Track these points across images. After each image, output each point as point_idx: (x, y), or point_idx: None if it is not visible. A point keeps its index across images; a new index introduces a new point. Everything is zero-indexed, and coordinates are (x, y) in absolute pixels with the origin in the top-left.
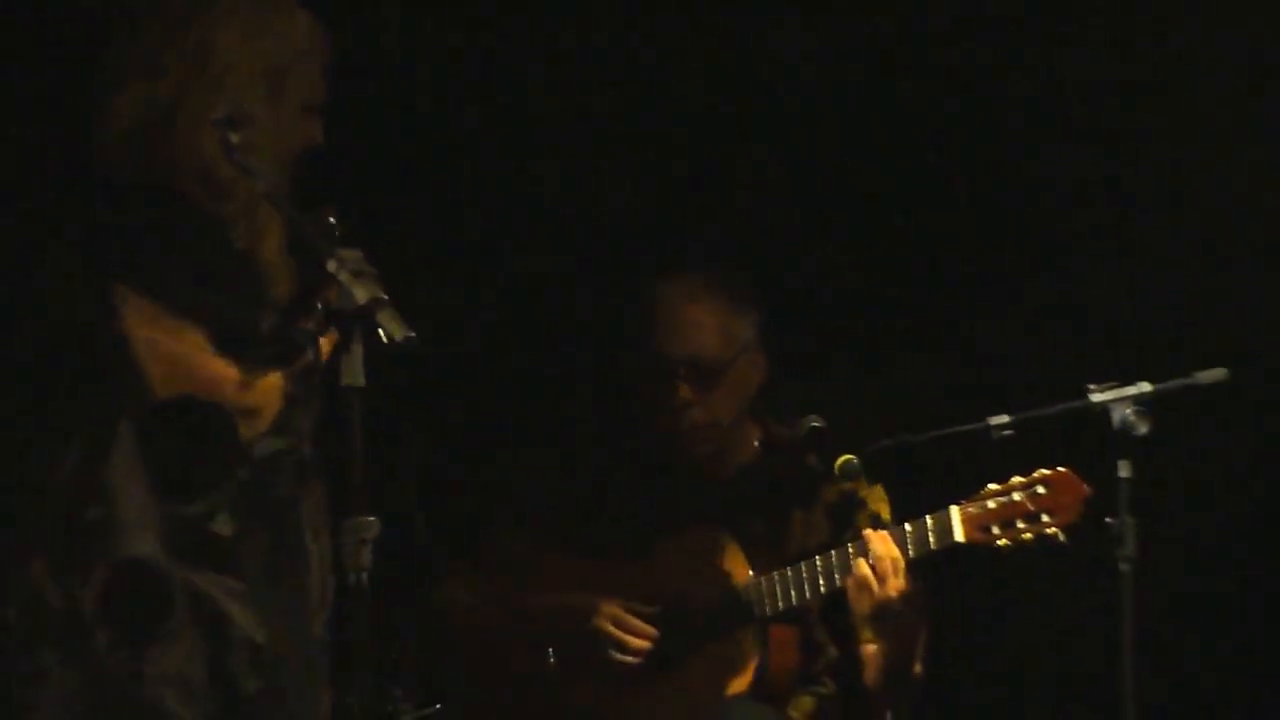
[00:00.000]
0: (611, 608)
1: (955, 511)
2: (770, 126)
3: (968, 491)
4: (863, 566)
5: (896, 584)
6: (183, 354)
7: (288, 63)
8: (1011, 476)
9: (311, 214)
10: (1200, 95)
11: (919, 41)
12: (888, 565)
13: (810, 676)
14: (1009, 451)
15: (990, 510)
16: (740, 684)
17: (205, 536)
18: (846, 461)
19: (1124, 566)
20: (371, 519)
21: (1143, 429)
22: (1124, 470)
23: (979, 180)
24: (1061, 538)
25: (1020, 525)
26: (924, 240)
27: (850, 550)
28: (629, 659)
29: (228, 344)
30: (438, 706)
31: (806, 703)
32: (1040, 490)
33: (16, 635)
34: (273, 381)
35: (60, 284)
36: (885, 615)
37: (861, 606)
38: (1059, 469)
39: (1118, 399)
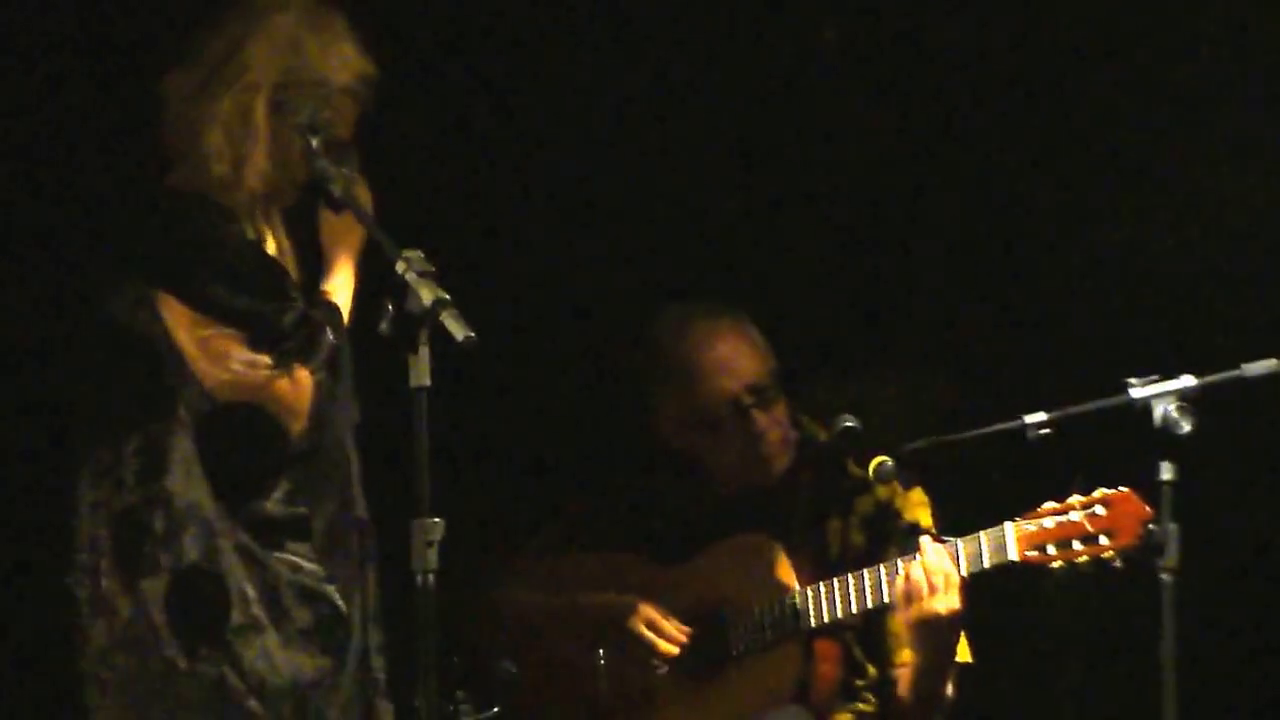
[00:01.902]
0: (647, 610)
1: (1011, 529)
2: (802, 115)
3: (1001, 494)
4: (915, 572)
5: (946, 600)
6: (224, 360)
7: (305, 85)
8: (1071, 495)
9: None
10: (1240, 87)
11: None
12: (939, 579)
13: (852, 692)
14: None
15: (1047, 529)
16: (782, 694)
17: (282, 520)
18: (881, 463)
19: (1165, 577)
20: (437, 520)
21: (1186, 427)
22: (1166, 472)
23: (1014, 168)
24: (1118, 562)
25: (1077, 546)
26: (958, 230)
27: (900, 565)
28: (658, 662)
29: (260, 345)
30: (495, 710)
31: (846, 719)
32: (1100, 511)
33: (93, 643)
34: (303, 374)
35: (109, 294)
36: (928, 629)
37: (907, 615)
38: (1120, 489)
39: (1160, 394)
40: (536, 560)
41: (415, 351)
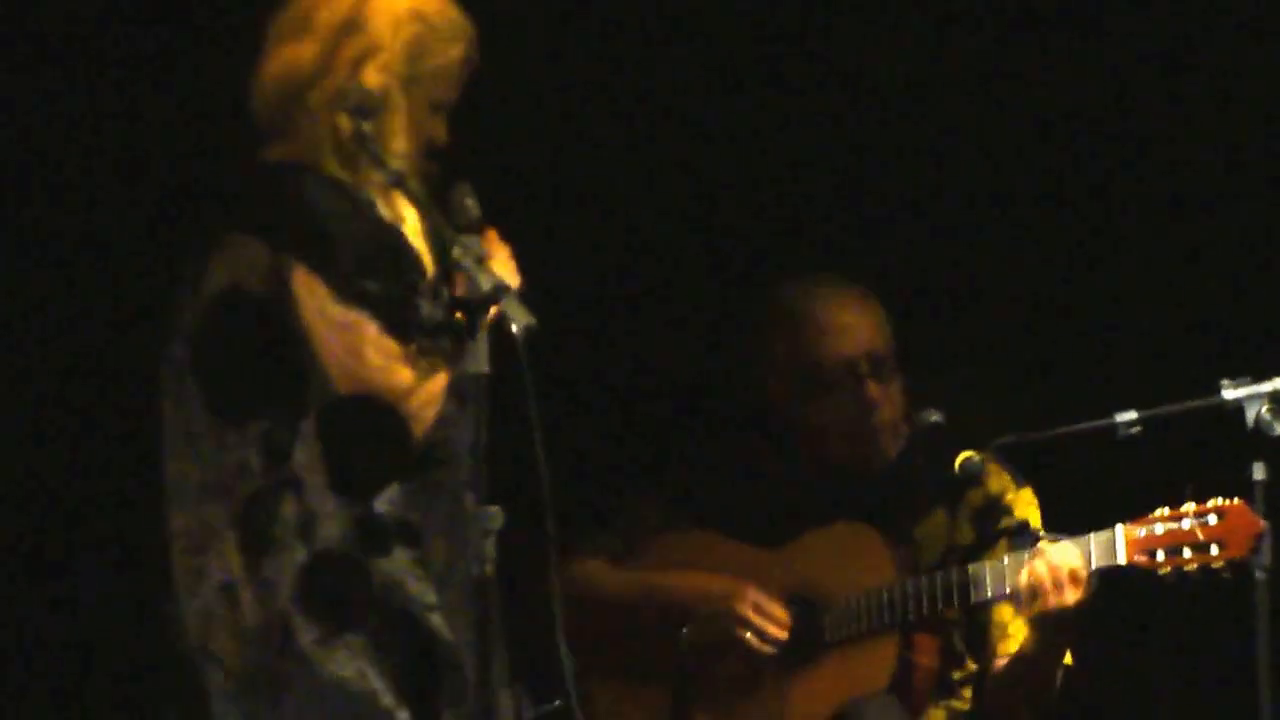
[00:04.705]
0: (755, 593)
1: (1122, 532)
2: (902, 117)
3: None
4: (1039, 569)
5: (1074, 594)
6: (353, 347)
7: (430, 53)
8: (1185, 503)
9: (445, 194)
10: None
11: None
12: (1064, 575)
13: (947, 687)
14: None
15: (1158, 535)
16: (877, 685)
17: (392, 524)
18: (968, 459)
19: (1259, 575)
20: (495, 509)
21: (1279, 429)
22: (1259, 473)
23: (1107, 164)
24: (1226, 573)
25: (1187, 554)
26: (1053, 229)
27: (1007, 562)
28: (766, 647)
29: (393, 331)
30: (557, 703)
31: (939, 715)
32: (1213, 520)
33: (215, 637)
34: (440, 376)
35: (240, 266)
36: (1053, 623)
37: (1031, 609)
38: (1235, 500)
39: (1253, 395)
40: (618, 538)
41: (473, 337)
